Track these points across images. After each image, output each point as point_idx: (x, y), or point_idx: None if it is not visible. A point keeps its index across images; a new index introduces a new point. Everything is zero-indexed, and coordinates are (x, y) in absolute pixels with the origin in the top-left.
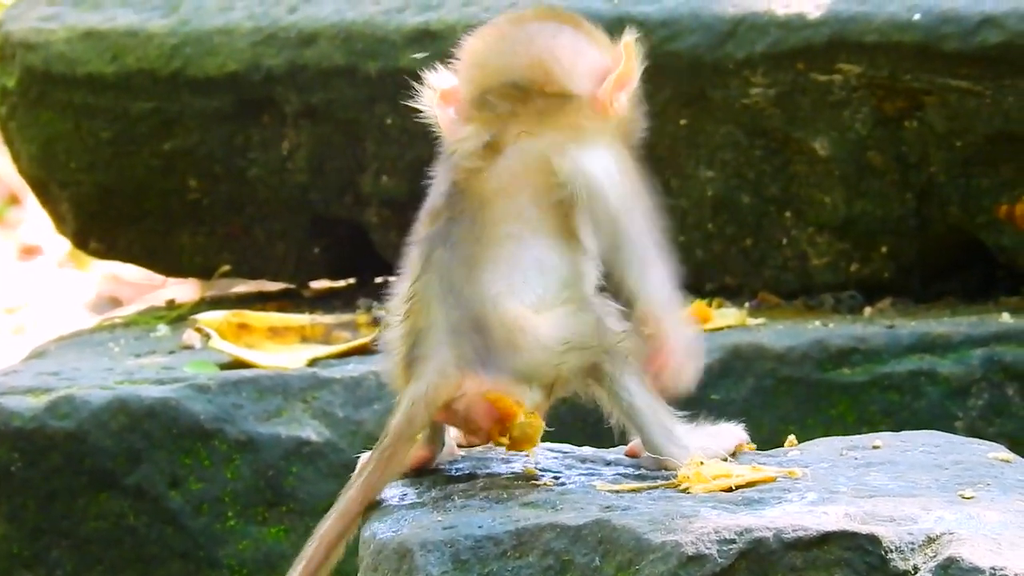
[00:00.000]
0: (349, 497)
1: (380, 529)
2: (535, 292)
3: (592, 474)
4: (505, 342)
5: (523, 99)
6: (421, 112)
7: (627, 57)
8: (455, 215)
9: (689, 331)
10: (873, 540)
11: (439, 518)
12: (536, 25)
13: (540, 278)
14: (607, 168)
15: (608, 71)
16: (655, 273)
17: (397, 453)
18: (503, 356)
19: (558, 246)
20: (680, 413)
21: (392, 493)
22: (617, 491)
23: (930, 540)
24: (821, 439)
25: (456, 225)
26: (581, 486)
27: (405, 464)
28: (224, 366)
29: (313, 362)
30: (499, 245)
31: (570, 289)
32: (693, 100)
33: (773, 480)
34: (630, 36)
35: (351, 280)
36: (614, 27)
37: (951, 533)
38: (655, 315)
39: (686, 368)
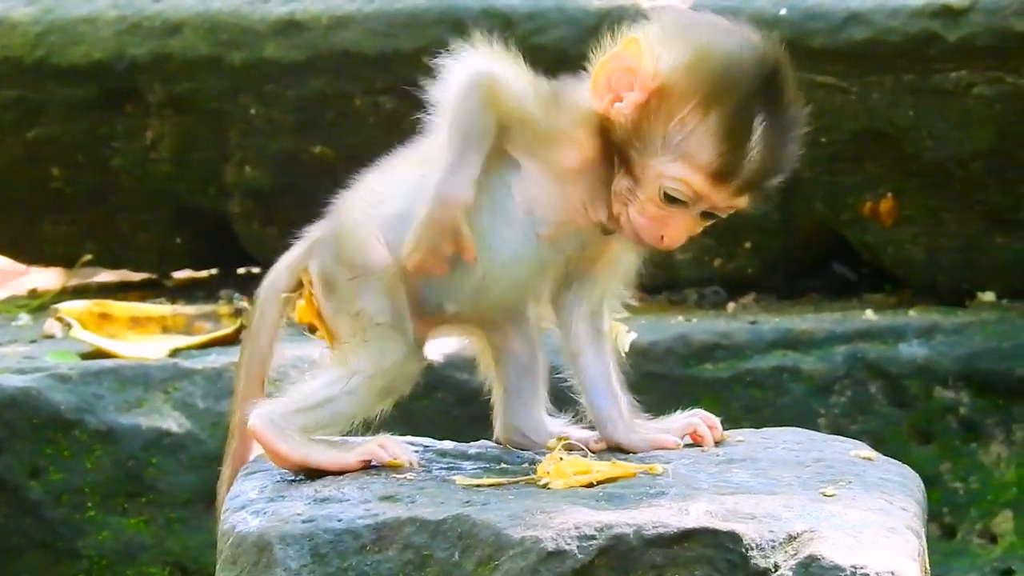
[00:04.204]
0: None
1: (239, 522)
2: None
3: (453, 468)
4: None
5: None
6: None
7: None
8: None
9: None
10: (734, 537)
11: (299, 511)
12: None
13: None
14: None
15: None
16: None
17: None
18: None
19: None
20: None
21: (252, 485)
22: (477, 485)
23: (791, 538)
24: None
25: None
26: (442, 480)
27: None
28: (85, 356)
29: (175, 352)
30: None
31: None
32: None
33: (633, 475)
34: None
35: (214, 271)
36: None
37: (812, 531)
38: None
39: None
